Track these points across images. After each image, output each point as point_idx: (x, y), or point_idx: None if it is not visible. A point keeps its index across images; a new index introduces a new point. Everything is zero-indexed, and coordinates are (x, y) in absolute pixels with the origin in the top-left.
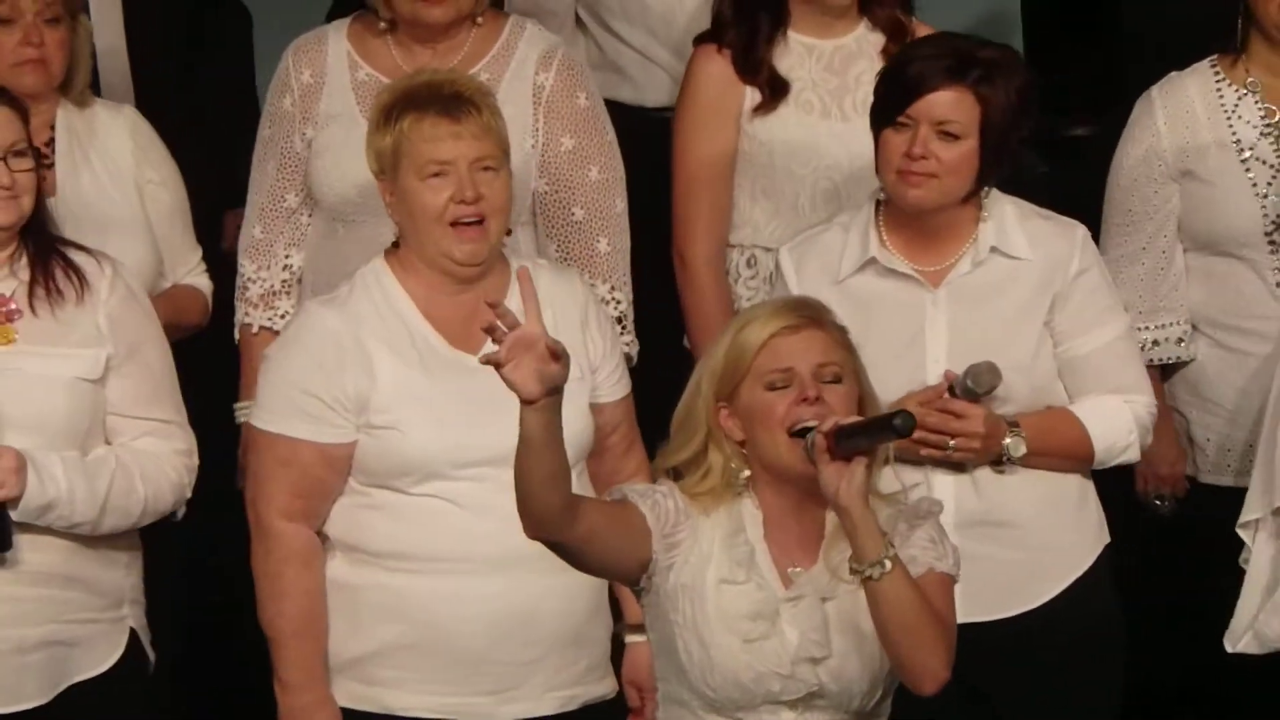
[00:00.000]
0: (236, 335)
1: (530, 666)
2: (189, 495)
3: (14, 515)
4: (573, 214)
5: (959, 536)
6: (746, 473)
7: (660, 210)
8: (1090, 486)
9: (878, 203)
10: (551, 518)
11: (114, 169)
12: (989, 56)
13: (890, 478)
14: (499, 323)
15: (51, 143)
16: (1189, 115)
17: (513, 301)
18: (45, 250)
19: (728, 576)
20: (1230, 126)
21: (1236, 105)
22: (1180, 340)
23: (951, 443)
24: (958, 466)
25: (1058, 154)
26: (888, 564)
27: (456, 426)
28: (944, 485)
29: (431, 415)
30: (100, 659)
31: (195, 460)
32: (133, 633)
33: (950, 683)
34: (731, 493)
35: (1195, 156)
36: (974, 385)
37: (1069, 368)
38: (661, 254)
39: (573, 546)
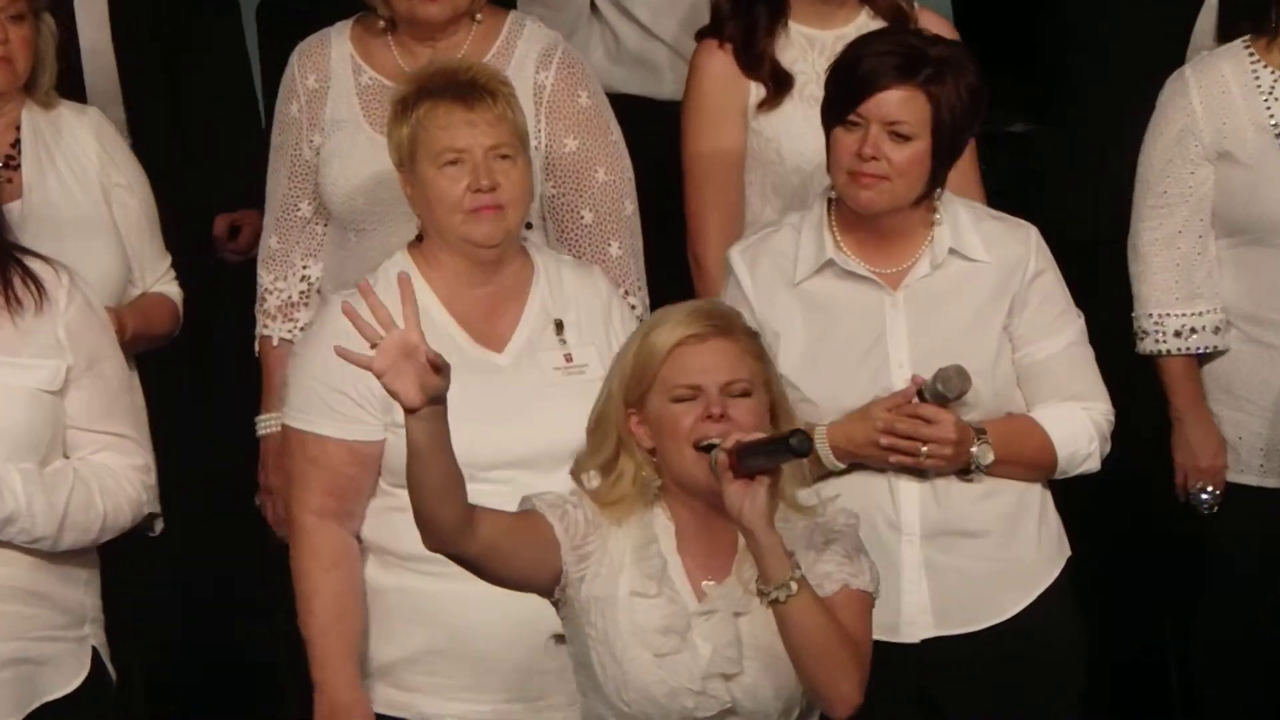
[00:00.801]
0: (256, 348)
1: (562, 674)
2: (145, 512)
3: None
4: (581, 217)
5: (924, 548)
6: (658, 482)
7: (681, 206)
8: (1049, 497)
9: (829, 201)
10: (447, 529)
11: (80, 172)
12: (940, 54)
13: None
14: (376, 325)
15: (17, 144)
16: (1225, 96)
17: (536, 296)
18: (2, 257)
19: (639, 589)
20: (1268, 109)
21: (1273, 88)
22: (1217, 329)
23: (924, 449)
24: (921, 474)
25: (996, 151)
26: (793, 586)
27: (483, 426)
28: (909, 493)
29: (458, 415)
30: (67, 679)
31: (153, 477)
32: (95, 651)
33: (908, 699)
34: (643, 502)
35: (1233, 138)
36: (944, 390)
37: (1026, 374)
38: (685, 251)
39: (474, 559)
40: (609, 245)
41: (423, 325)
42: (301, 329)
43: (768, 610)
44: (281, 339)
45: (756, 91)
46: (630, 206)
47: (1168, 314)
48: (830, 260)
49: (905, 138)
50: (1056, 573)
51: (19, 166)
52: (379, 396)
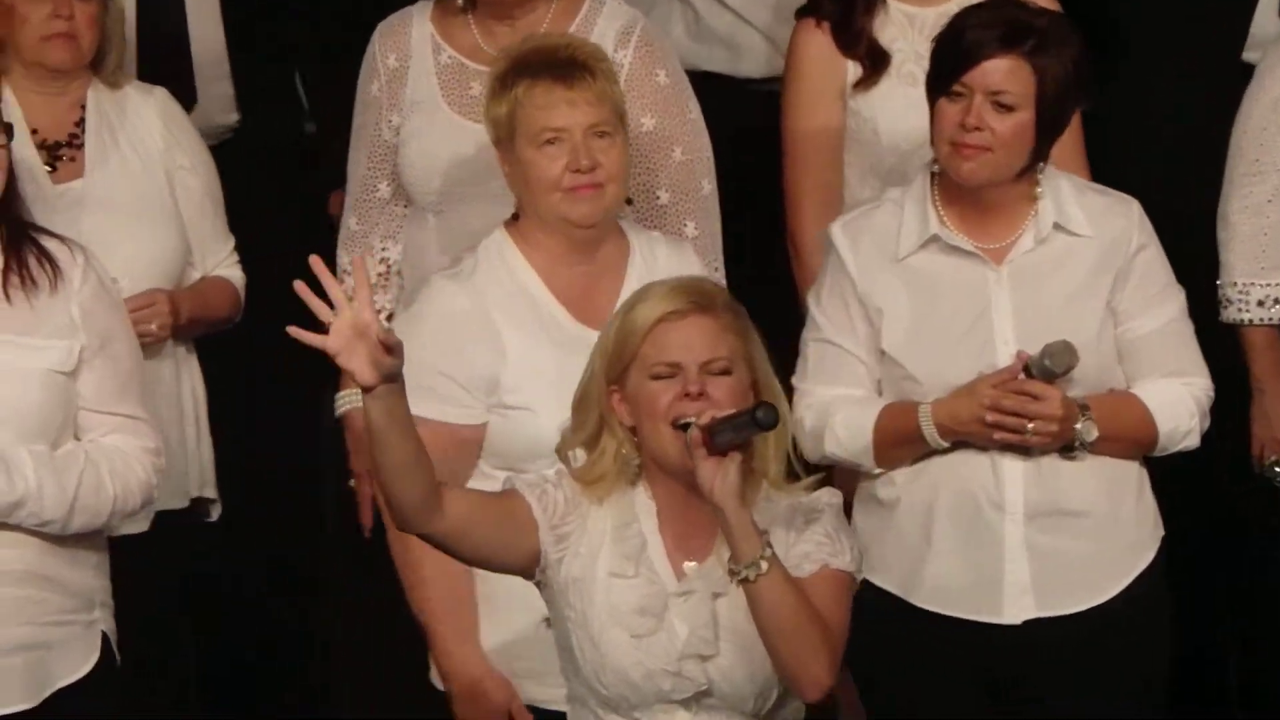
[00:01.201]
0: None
1: None
2: (155, 496)
3: None
4: (657, 197)
5: (1027, 528)
6: (638, 460)
7: (764, 186)
8: (1146, 476)
9: (932, 176)
10: (411, 508)
11: (143, 153)
12: (1044, 25)
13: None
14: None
15: (81, 123)
16: None
17: (633, 272)
18: (18, 236)
19: (616, 570)
20: None
21: None
22: None
23: (1030, 426)
24: (1025, 453)
25: None
26: (763, 565)
27: None
28: (1013, 472)
29: (563, 395)
30: (77, 663)
31: (163, 460)
32: (104, 636)
33: (1000, 683)
34: (624, 480)
35: None
36: (1051, 365)
37: (1128, 349)
38: (764, 232)
39: (442, 538)
40: (685, 225)
41: (522, 302)
42: (379, 311)
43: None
44: None
45: (854, 70)
46: (708, 186)
47: (1252, 283)
48: (934, 236)
49: (1008, 108)
50: (1153, 554)
51: (82, 145)
52: (482, 379)
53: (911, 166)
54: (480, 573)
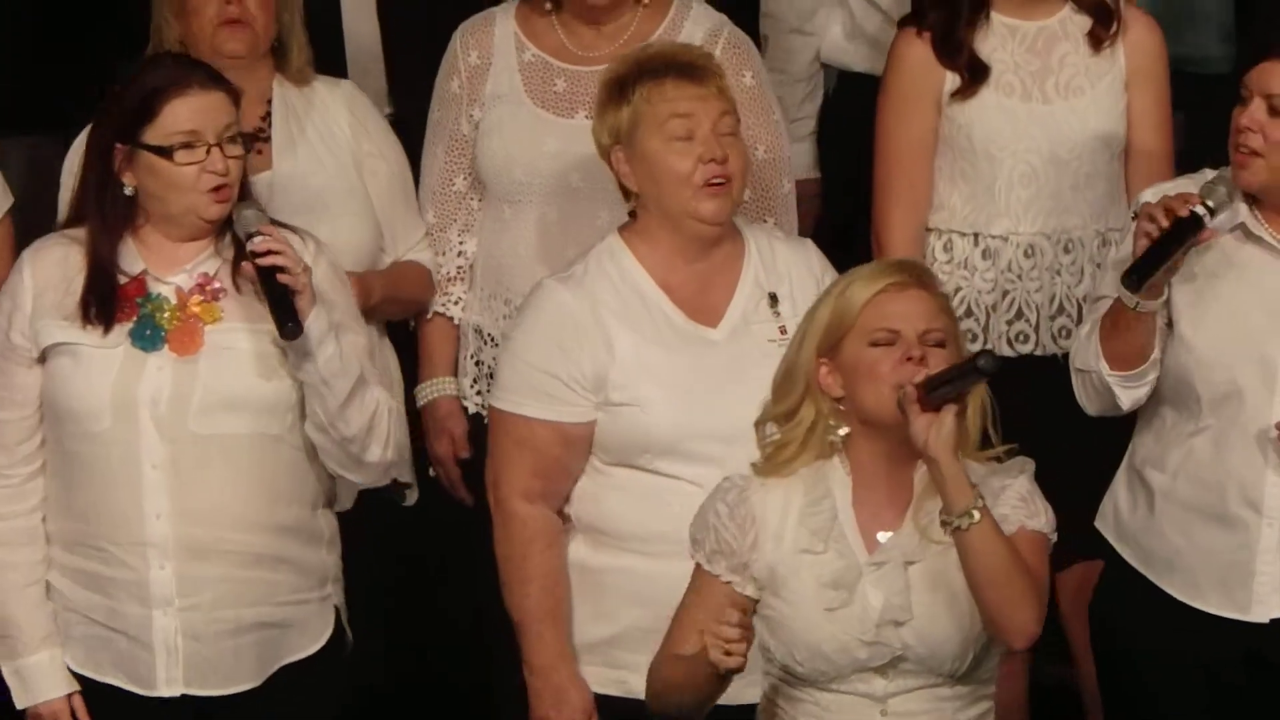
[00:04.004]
0: (411, 322)
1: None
2: (390, 457)
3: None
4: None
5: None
6: (844, 430)
7: None
8: None
9: None
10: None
11: (331, 143)
12: None
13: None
14: None
15: (268, 117)
16: None
17: (749, 270)
18: None
19: (807, 547)
20: None
21: None
22: None
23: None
24: None
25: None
26: (976, 514)
27: (697, 400)
28: (1275, 478)
29: (672, 390)
30: (312, 639)
31: (403, 430)
32: (336, 611)
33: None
34: (813, 454)
35: None
36: (1213, 204)
37: None
38: None
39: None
40: (764, 221)
41: (634, 301)
42: (456, 303)
43: (943, 556)
44: (436, 313)
45: (952, 80)
46: (787, 185)
47: None
48: (1241, 223)
49: None
50: None
51: (269, 139)
52: (590, 377)
53: (1002, 172)
54: (588, 567)
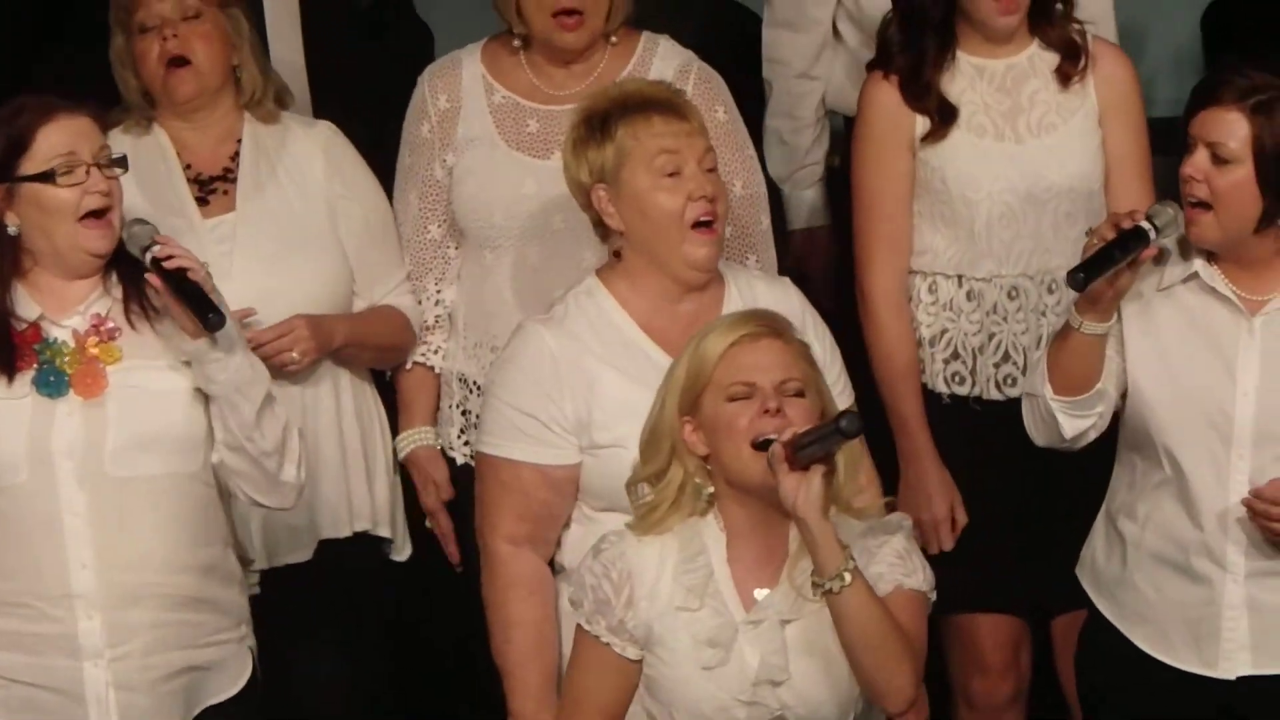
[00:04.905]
0: (388, 373)
1: None
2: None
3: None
4: None
5: (1248, 585)
6: (710, 490)
7: None
8: None
9: None
10: None
11: (303, 184)
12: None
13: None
14: None
15: (236, 157)
16: None
17: (730, 309)
18: (133, 266)
19: (682, 604)
20: None
21: None
22: None
23: None
24: None
25: None
26: (847, 576)
27: None
28: (1237, 533)
29: None
30: (231, 681)
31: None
32: (252, 652)
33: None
34: (686, 512)
35: None
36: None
37: None
38: None
39: None
40: (746, 258)
41: (615, 341)
42: (435, 352)
43: (818, 613)
44: (415, 362)
45: (922, 123)
46: (765, 221)
47: None
48: (1195, 273)
49: (1225, 161)
50: None
51: (235, 180)
52: (571, 418)
53: (980, 214)
54: None
